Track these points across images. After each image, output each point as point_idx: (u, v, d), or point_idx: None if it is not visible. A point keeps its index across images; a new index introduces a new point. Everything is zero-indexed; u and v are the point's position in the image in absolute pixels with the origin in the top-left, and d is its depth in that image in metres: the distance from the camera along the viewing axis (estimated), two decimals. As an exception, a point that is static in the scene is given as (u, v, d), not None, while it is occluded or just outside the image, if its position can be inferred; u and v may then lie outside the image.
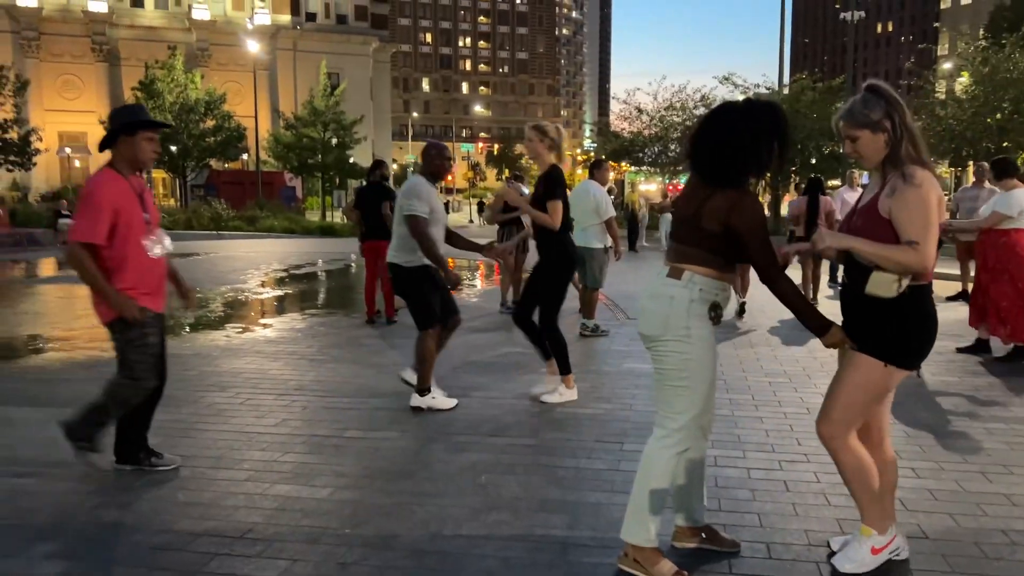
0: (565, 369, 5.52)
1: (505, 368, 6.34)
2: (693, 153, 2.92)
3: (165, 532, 3.36)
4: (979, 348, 7.06)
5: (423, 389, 5.31)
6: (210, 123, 41.36)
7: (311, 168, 44.46)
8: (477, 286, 13.27)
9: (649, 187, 36.07)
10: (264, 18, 64.13)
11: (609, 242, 8.10)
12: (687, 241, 2.89)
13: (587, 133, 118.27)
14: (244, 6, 64.55)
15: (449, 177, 78.28)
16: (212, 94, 41.64)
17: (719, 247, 2.83)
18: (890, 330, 2.78)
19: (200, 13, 62.40)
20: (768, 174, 3.17)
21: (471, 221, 45.07)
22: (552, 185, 5.32)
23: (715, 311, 2.89)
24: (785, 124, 2.86)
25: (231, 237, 26.13)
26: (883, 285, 2.71)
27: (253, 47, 43.84)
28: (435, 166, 5.43)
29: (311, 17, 66.61)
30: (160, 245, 3.98)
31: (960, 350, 7.11)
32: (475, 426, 4.91)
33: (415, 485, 3.93)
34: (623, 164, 39.24)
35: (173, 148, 40.28)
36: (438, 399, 5.32)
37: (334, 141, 43.40)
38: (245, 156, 49.87)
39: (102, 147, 3.98)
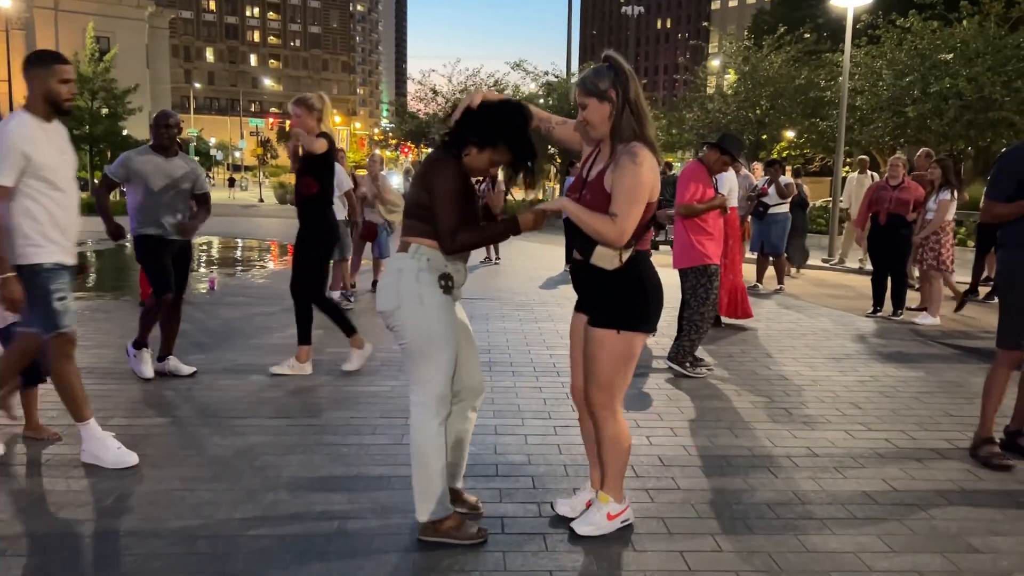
0: (350, 330, 5.68)
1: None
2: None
3: None
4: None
5: (141, 344, 5.36)
6: (-49, 86, 36.50)
7: (77, 140, 40.43)
8: (269, 267, 12.78)
9: None
10: (19, -30, 57.34)
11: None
12: (414, 216, 2.94)
13: (384, 113, 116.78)
14: (-7, -45, 57.33)
15: (236, 153, 72.50)
16: (-47, 53, 36.70)
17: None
18: (615, 298, 2.94)
19: (-63, -41, 54.66)
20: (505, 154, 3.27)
21: (261, 200, 43.07)
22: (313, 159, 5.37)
23: (445, 280, 2.93)
24: (523, 122, 2.92)
25: (-20, 214, 23.25)
26: (604, 258, 2.89)
27: (4, 3, 38.95)
28: (153, 134, 5.33)
29: (76, -26, 60.41)
30: None
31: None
32: (256, 408, 4.75)
33: (187, 471, 3.74)
34: (422, 145, 39.26)
35: (-96, 112, 35.19)
36: (144, 361, 5.35)
37: (104, 111, 39.74)
38: (-3, 124, 44.50)
39: None
